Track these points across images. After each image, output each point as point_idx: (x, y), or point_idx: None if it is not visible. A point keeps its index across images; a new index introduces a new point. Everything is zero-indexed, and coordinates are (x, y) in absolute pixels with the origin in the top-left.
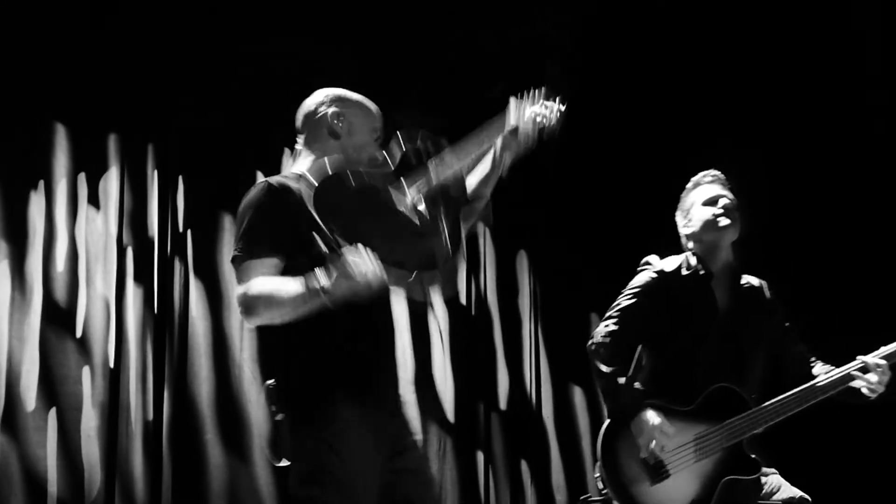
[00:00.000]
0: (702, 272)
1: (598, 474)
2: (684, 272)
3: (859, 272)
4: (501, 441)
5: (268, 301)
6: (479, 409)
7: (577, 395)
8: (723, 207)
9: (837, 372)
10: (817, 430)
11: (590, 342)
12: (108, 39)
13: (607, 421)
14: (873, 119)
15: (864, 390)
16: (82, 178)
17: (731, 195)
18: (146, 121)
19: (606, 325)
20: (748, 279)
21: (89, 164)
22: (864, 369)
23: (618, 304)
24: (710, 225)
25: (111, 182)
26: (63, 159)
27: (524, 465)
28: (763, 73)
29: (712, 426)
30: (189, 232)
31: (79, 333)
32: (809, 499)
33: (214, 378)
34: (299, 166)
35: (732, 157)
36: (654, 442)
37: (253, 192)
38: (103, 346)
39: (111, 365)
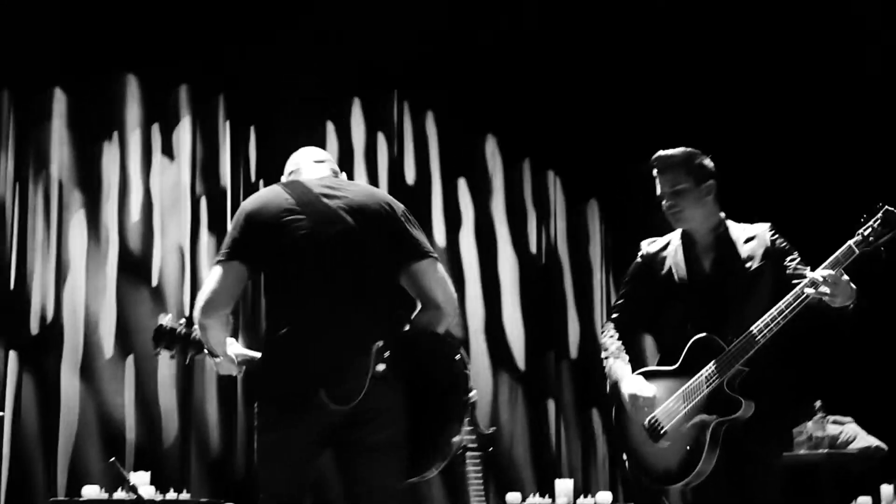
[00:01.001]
0: (685, 242)
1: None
2: (672, 246)
3: None
4: (572, 390)
5: None
6: (549, 358)
7: (649, 343)
8: (665, 207)
9: (791, 294)
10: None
11: (600, 332)
12: None
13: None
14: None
15: (831, 303)
16: (155, 128)
17: (671, 182)
18: (217, 72)
19: (612, 317)
20: (748, 230)
21: (162, 116)
22: (814, 284)
23: (619, 294)
24: (668, 220)
25: (184, 133)
26: (136, 111)
27: (595, 414)
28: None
29: (694, 376)
30: (261, 182)
31: (154, 282)
32: (885, 447)
33: None
34: None
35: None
36: (636, 412)
37: None
38: (178, 295)
39: (186, 313)
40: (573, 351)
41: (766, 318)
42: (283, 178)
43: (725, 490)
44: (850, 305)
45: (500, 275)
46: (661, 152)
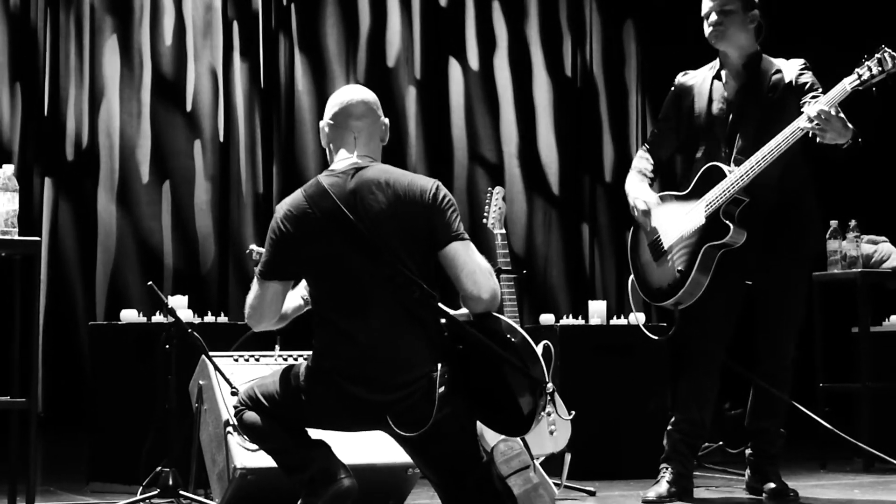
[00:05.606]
0: (715, 70)
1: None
2: (703, 77)
3: None
4: (607, 213)
5: None
6: (584, 182)
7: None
8: (710, 24)
9: (788, 128)
10: None
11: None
12: None
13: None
14: None
15: (821, 138)
16: None
17: (721, 1)
18: None
19: (644, 145)
20: (780, 64)
21: None
22: (809, 120)
23: (654, 124)
24: (709, 39)
25: None
26: None
27: (629, 238)
28: None
29: (698, 201)
30: (293, 6)
31: (188, 108)
32: None
33: (321, 151)
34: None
35: None
36: (638, 216)
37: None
38: (213, 121)
39: (221, 139)
40: (608, 175)
41: (764, 149)
42: (324, 125)
43: (720, 318)
44: (844, 144)
45: (535, 99)
46: None
